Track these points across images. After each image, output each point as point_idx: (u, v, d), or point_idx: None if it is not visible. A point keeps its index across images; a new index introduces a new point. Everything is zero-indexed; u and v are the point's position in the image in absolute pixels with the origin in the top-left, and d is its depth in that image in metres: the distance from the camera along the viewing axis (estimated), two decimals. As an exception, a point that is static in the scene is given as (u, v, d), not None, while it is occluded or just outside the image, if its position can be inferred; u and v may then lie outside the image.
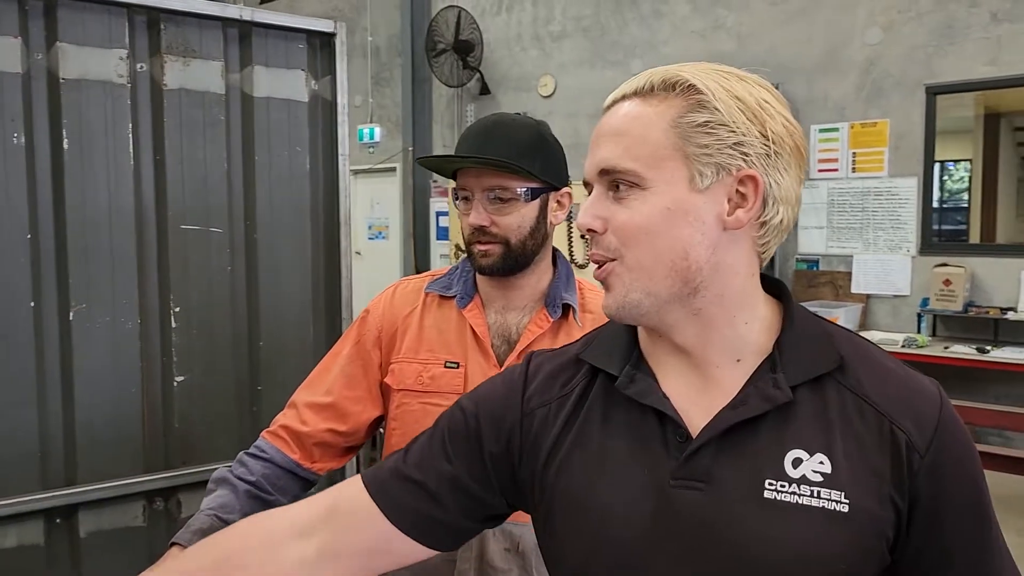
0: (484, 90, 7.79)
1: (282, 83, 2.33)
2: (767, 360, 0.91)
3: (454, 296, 1.65)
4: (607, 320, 1.53)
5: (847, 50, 5.76)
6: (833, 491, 0.85)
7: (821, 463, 0.86)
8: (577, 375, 1.01)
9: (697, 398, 0.92)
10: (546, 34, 7.48)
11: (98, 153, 2.09)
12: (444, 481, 1.00)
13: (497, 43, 7.76)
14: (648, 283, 0.89)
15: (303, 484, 1.65)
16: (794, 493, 0.86)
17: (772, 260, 0.98)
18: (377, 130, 8.08)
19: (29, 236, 2.03)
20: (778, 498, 0.86)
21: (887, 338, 5.16)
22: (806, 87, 5.86)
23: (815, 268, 6.00)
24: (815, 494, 0.85)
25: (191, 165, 2.22)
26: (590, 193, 0.94)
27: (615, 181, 0.90)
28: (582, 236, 0.98)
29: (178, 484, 2.26)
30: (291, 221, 2.39)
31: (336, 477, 2.34)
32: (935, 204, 5.61)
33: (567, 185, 1.64)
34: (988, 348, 4.96)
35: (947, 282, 5.30)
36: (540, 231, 1.58)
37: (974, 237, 5.67)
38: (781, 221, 0.91)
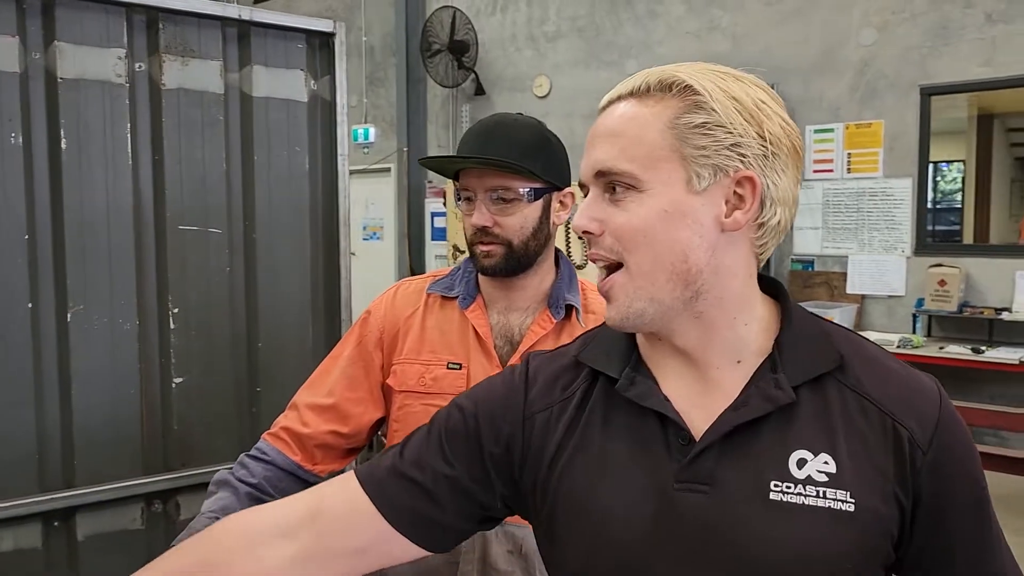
0: (479, 90, 7.78)
1: (281, 83, 2.32)
2: (767, 360, 0.91)
3: (456, 297, 1.64)
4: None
5: (842, 51, 5.77)
6: (839, 491, 0.85)
7: (826, 463, 0.86)
8: (578, 378, 1.00)
9: (698, 400, 0.92)
10: (541, 34, 7.47)
11: (96, 153, 2.07)
12: (442, 482, 0.98)
13: (492, 43, 7.76)
14: (651, 289, 0.88)
15: (304, 486, 1.63)
16: (800, 494, 0.85)
17: (768, 261, 0.98)
18: (372, 130, 8.06)
19: (27, 236, 2.01)
20: (784, 499, 0.86)
21: (882, 338, 5.17)
22: (801, 88, 5.87)
23: (810, 269, 6.01)
24: (821, 494, 0.85)
25: (190, 165, 2.20)
26: (586, 195, 0.93)
27: (611, 183, 0.89)
28: (579, 237, 0.97)
29: (177, 486, 2.25)
30: (290, 221, 2.38)
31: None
32: (929, 205, 5.63)
33: (569, 185, 1.63)
34: (983, 348, 4.98)
35: (942, 282, 5.31)
36: (543, 231, 1.58)
37: (967, 238, 5.69)
38: (779, 222, 0.91)
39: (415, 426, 1.58)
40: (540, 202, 1.56)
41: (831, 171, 5.87)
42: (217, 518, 1.47)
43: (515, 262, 1.55)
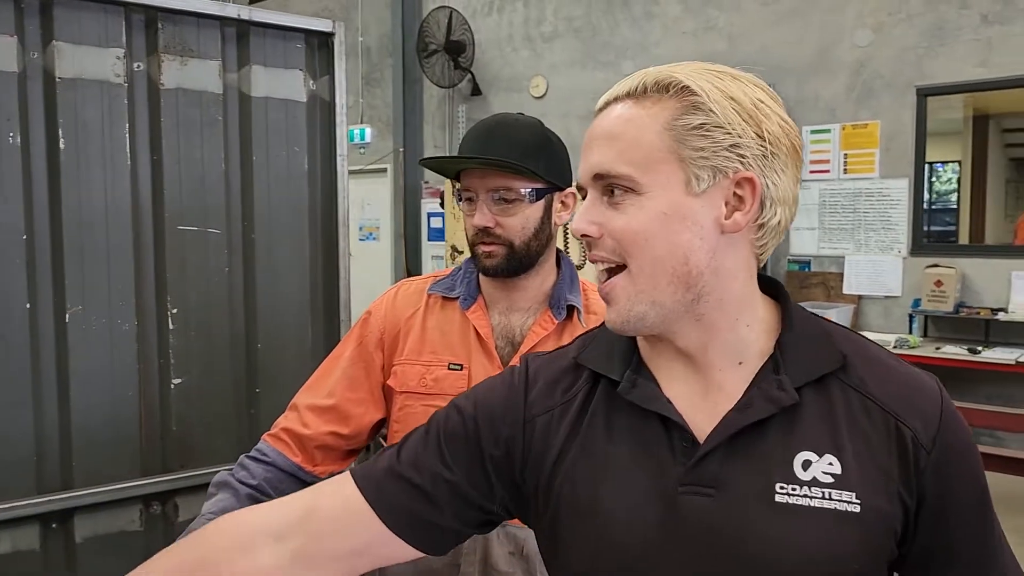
0: (475, 91, 7.78)
1: (280, 83, 2.32)
2: (769, 361, 0.90)
3: (457, 297, 1.64)
4: None
5: (838, 51, 5.78)
6: (844, 492, 0.85)
7: (831, 464, 0.86)
8: (578, 380, 0.99)
9: (700, 402, 0.91)
10: (537, 35, 7.47)
11: (94, 153, 2.07)
12: (441, 484, 0.97)
13: (488, 44, 7.75)
14: (652, 292, 0.88)
15: (305, 487, 1.64)
16: (806, 496, 0.85)
17: (764, 261, 0.97)
18: (368, 131, 8.05)
19: (25, 237, 2.01)
20: (790, 501, 0.85)
21: (879, 339, 5.18)
22: (797, 88, 5.88)
23: (807, 269, 6.02)
24: (827, 496, 0.85)
25: (188, 165, 2.20)
26: (584, 197, 0.93)
27: (610, 185, 0.89)
28: (578, 239, 0.97)
29: (175, 488, 2.24)
30: (289, 221, 2.38)
31: (334, 480, 2.33)
32: (925, 206, 5.64)
33: (571, 185, 1.63)
34: (979, 349, 4.98)
35: (938, 283, 5.32)
36: (544, 232, 1.57)
37: (963, 238, 5.69)
38: (779, 222, 0.90)
39: (416, 426, 1.59)
40: (542, 202, 1.56)
41: (827, 172, 5.87)
42: (217, 519, 1.47)
43: (517, 262, 1.55)
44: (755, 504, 0.86)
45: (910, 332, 5.42)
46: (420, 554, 0.99)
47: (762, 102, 0.87)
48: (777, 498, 0.85)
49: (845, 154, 5.80)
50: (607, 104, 0.92)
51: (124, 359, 2.14)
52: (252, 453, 1.62)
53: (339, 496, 0.98)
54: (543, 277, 1.62)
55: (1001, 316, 5.08)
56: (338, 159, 2.43)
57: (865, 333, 5.44)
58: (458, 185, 1.60)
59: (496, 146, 1.51)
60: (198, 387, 2.26)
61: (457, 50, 7.50)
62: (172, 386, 2.22)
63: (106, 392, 2.11)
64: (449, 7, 7.57)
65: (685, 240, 0.86)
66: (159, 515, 2.25)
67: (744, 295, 0.91)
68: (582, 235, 0.91)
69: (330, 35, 2.39)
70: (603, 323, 1.00)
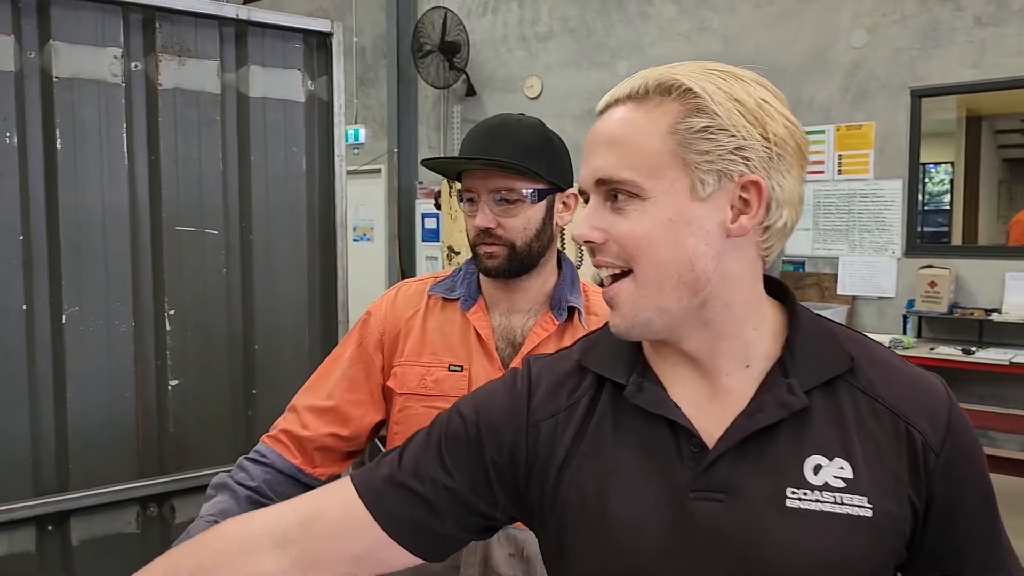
0: (470, 91, 7.77)
1: (278, 83, 2.31)
2: (777, 365, 0.89)
3: (457, 298, 1.63)
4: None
5: (832, 52, 5.79)
6: (856, 496, 0.84)
7: (842, 468, 0.85)
8: (583, 383, 0.97)
9: (707, 406, 0.90)
10: (532, 35, 7.47)
11: (92, 153, 2.06)
12: (442, 492, 0.96)
13: (483, 44, 7.75)
14: (658, 299, 0.87)
15: (304, 489, 1.63)
16: (818, 500, 0.85)
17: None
18: (362, 131, 8.04)
19: (21, 237, 2.00)
20: (801, 506, 0.85)
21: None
22: (792, 89, 5.88)
23: (801, 270, 6.03)
24: (839, 500, 0.84)
25: (186, 166, 2.19)
26: (587, 201, 0.91)
27: (613, 191, 0.87)
28: (580, 245, 0.95)
29: (172, 490, 2.23)
30: (287, 222, 2.37)
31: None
32: (918, 206, 5.65)
33: (572, 186, 1.63)
34: (973, 349, 5.00)
35: (932, 284, 5.33)
36: (546, 233, 1.57)
37: (956, 239, 5.71)
38: (785, 224, 0.89)
39: (416, 428, 1.56)
40: (543, 203, 1.55)
41: (822, 172, 5.88)
42: (216, 521, 1.46)
43: (518, 263, 1.54)
44: (766, 509, 0.85)
45: (904, 333, 5.43)
46: (420, 561, 0.98)
47: (766, 102, 0.86)
48: (788, 503, 0.85)
49: (839, 155, 5.81)
50: (608, 106, 0.90)
51: (121, 360, 2.13)
52: (251, 455, 1.61)
53: (339, 502, 0.97)
54: (544, 278, 1.61)
55: (995, 317, 5.09)
56: (336, 159, 2.43)
57: (860, 334, 5.44)
58: (459, 186, 1.59)
59: (498, 147, 1.51)
60: (195, 388, 2.25)
61: (452, 50, 7.49)
62: (169, 387, 2.21)
63: (103, 393, 2.11)
64: (444, 7, 7.56)
65: (691, 245, 0.85)
66: (156, 517, 2.25)
67: (750, 298, 0.90)
68: (585, 241, 0.89)
69: (328, 35, 2.39)
70: (605, 325, 0.99)
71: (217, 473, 1.60)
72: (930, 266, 5.37)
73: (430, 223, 7.74)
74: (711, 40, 6.33)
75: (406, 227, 8.21)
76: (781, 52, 5.97)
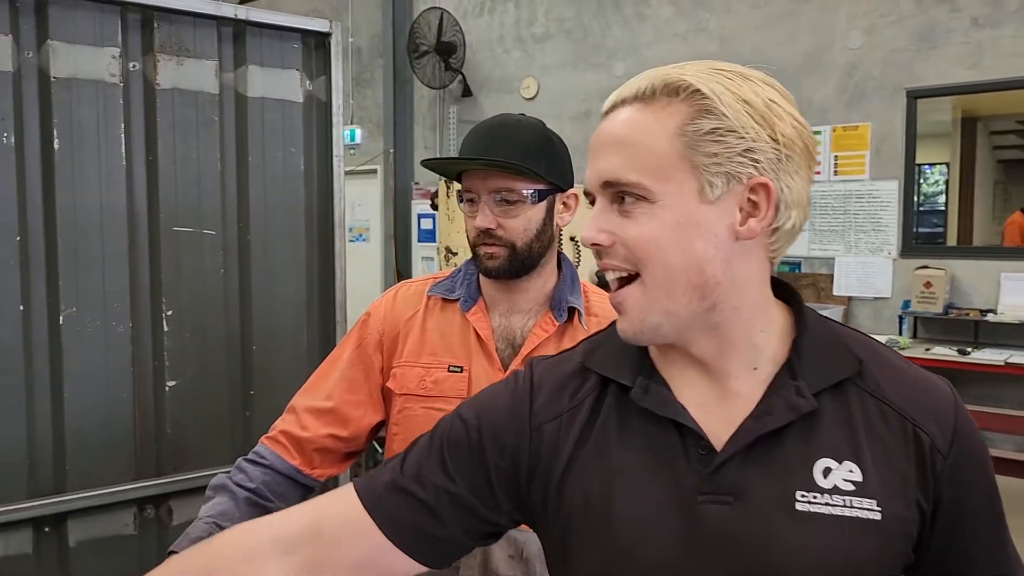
0: (466, 92, 7.76)
1: (276, 83, 2.31)
2: (785, 367, 0.89)
3: (457, 299, 1.62)
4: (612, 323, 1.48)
5: (829, 53, 5.80)
6: (865, 499, 0.84)
7: (851, 471, 0.85)
8: (586, 384, 0.96)
9: (714, 408, 0.90)
10: (529, 36, 7.47)
11: (89, 153, 2.05)
12: (444, 497, 0.95)
13: (479, 45, 7.74)
14: (667, 303, 0.86)
15: (303, 490, 1.63)
16: (827, 504, 0.84)
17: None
18: (358, 131, 8.03)
19: (18, 238, 1.99)
20: (811, 509, 0.84)
21: (869, 340, 5.19)
22: (788, 90, 5.88)
23: (797, 270, 6.03)
24: (848, 504, 0.84)
25: (184, 166, 2.18)
26: (592, 203, 0.90)
27: (620, 193, 0.86)
28: (586, 247, 0.94)
29: (170, 491, 2.22)
30: (285, 222, 2.37)
31: (329, 484, 2.32)
32: (914, 207, 5.67)
33: (573, 186, 1.62)
34: (968, 350, 5.01)
35: (928, 284, 5.34)
36: (546, 233, 1.56)
37: (951, 240, 5.73)
38: (793, 225, 0.88)
39: (415, 429, 1.58)
40: (544, 203, 1.55)
41: (818, 173, 5.89)
42: (215, 523, 1.46)
43: (519, 264, 1.54)
44: (775, 512, 0.85)
45: (900, 333, 5.44)
46: (424, 568, 0.97)
47: (774, 102, 0.85)
48: (798, 506, 0.84)
49: (836, 156, 5.82)
50: (613, 107, 0.89)
51: (118, 361, 2.12)
52: (250, 456, 1.60)
53: (342, 508, 0.96)
54: (544, 279, 1.61)
55: (990, 317, 5.11)
56: (334, 160, 2.43)
57: (856, 334, 5.45)
58: (458, 186, 1.59)
59: (498, 147, 1.51)
60: (193, 389, 2.24)
61: (448, 51, 7.49)
62: (167, 388, 2.21)
63: (100, 394, 2.10)
64: (440, 8, 7.56)
65: (699, 249, 0.84)
66: (153, 519, 2.24)
67: (758, 301, 0.90)
68: (592, 243, 0.88)
69: (327, 35, 2.38)
70: (609, 327, 0.99)
71: (215, 474, 1.59)
72: (926, 267, 5.38)
73: (426, 224, 7.74)
74: (708, 41, 6.34)
75: (402, 228, 8.20)
76: (778, 53, 5.98)
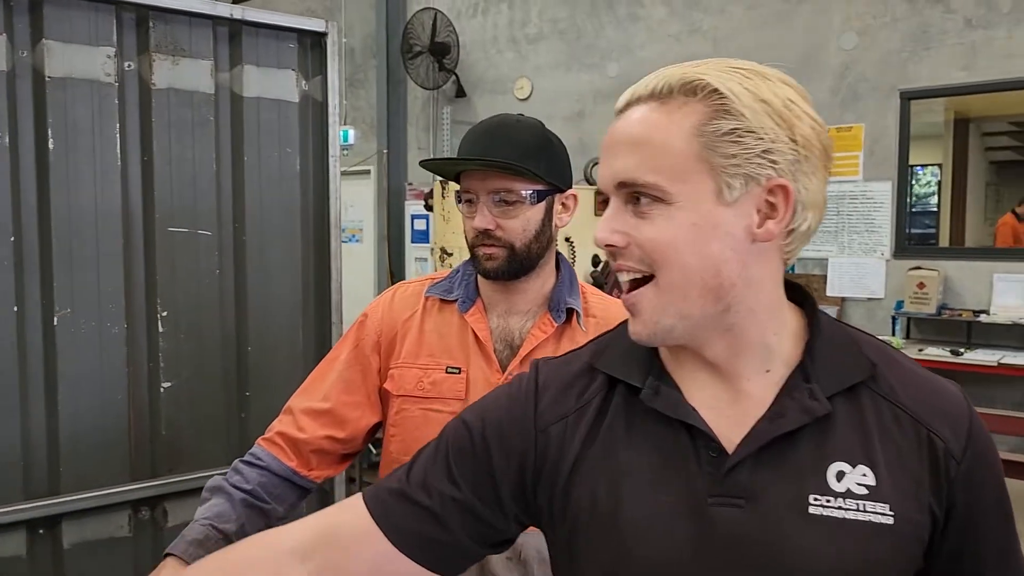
0: (460, 92, 7.75)
1: (272, 83, 2.30)
2: (798, 370, 0.88)
3: (455, 300, 1.62)
4: (611, 324, 1.48)
5: (823, 54, 5.81)
6: (878, 503, 0.84)
7: (864, 475, 0.84)
8: (593, 385, 0.96)
9: (726, 410, 0.89)
10: (522, 37, 7.46)
11: (84, 153, 2.04)
12: (449, 504, 0.95)
13: (473, 45, 7.74)
14: (681, 305, 0.85)
15: (300, 492, 1.62)
16: (840, 507, 0.84)
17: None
18: (351, 132, 8.00)
19: (12, 239, 1.98)
20: (824, 513, 0.84)
21: (863, 341, 5.19)
22: (783, 91, 5.90)
23: (791, 271, 6.05)
24: (861, 508, 0.84)
25: (179, 166, 2.17)
26: (606, 203, 0.89)
27: (635, 194, 0.85)
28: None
29: (165, 492, 2.21)
30: (281, 223, 2.36)
31: (325, 486, 2.31)
32: (907, 208, 5.68)
33: (571, 187, 1.62)
34: (961, 350, 5.02)
35: (921, 285, 5.35)
36: (545, 234, 1.56)
37: (943, 241, 5.74)
38: (809, 227, 0.87)
39: (413, 431, 1.58)
40: (542, 204, 1.54)
41: (813, 174, 5.90)
42: (211, 525, 1.45)
43: (517, 265, 1.54)
44: (788, 515, 0.84)
45: (893, 334, 5.45)
46: (432, 574, 0.97)
47: (793, 102, 0.84)
48: (811, 509, 0.84)
49: (829, 157, 5.83)
50: (628, 105, 0.88)
51: (113, 362, 2.11)
52: (246, 457, 1.60)
53: (352, 517, 0.97)
54: (543, 280, 1.60)
55: (983, 318, 5.12)
56: (330, 160, 2.42)
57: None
58: (454, 187, 1.59)
59: (497, 147, 1.50)
60: (188, 390, 2.23)
61: (442, 52, 7.48)
62: (162, 389, 2.20)
63: (95, 396, 2.09)
64: (434, 8, 7.55)
65: (716, 251, 0.83)
66: (148, 520, 2.23)
67: (772, 303, 0.89)
68: (607, 245, 0.87)
69: (323, 35, 2.37)
70: (618, 327, 0.99)
71: (211, 476, 1.59)
72: (919, 267, 5.40)
73: (419, 224, 7.72)
74: (701, 42, 6.34)
75: (395, 228, 8.19)
76: (771, 54, 5.97)
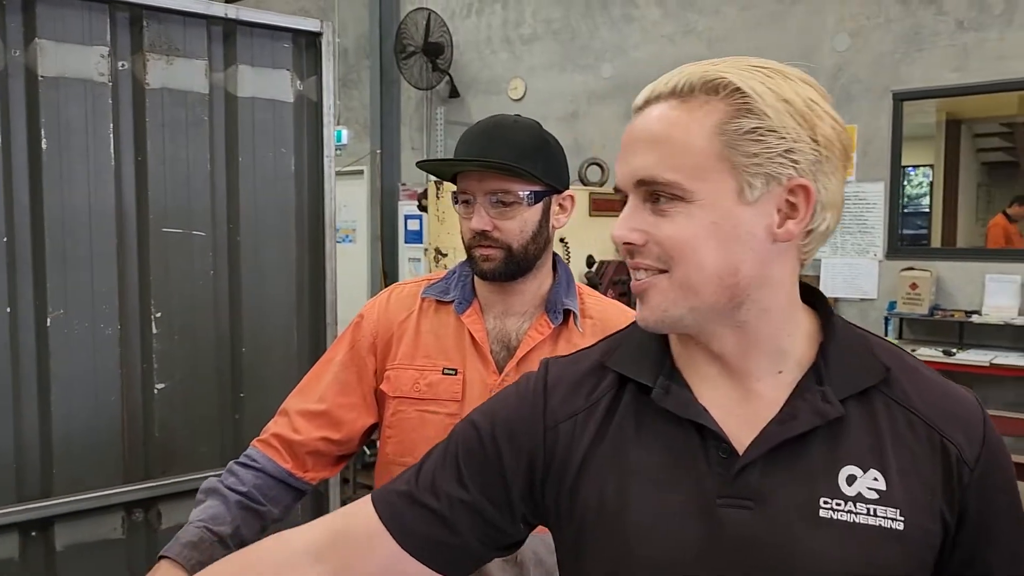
0: (453, 93, 7.75)
1: (267, 83, 2.29)
2: (811, 372, 0.88)
3: (452, 301, 1.62)
4: (608, 325, 1.48)
5: (816, 56, 5.82)
6: (889, 508, 0.83)
7: (875, 480, 0.84)
8: (602, 383, 0.96)
9: (736, 410, 0.88)
10: (516, 37, 7.46)
11: (77, 153, 2.02)
12: (457, 507, 0.95)
13: (467, 46, 7.73)
14: (694, 300, 0.85)
15: (295, 494, 1.62)
16: (851, 511, 0.83)
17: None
18: (344, 132, 7.99)
19: (5, 239, 1.96)
20: (834, 517, 0.83)
21: (856, 341, 5.21)
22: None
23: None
24: (872, 512, 0.83)
25: (173, 166, 2.16)
26: (624, 201, 0.88)
27: (654, 192, 0.84)
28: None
29: (158, 494, 2.20)
30: (275, 223, 2.35)
31: (320, 487, 2.30)
32: (900, 209, 5.70)
33: (568, 187, 1.62)
34: (954, 351, 5.04)
35: (913, 286, 5.37)
36: (542, 235, 1.56)
37: (935, 242, 5.76)
38: (827, 228, 0.87)
39: (409, 432, 1.58)
40: (540, 205, 1.54)
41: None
42: (206, 527, 1.44)
43: (514, 266, 1.53)
44: (798, 518, 0.84)
45: (886, 334, 5.46)
46: None
47: (814, 102, 0.84)
48: (822, 513, 0.83)
49: (822, 158, 5.84)
50: (647, 102, 0.87)
51: (106, 364, 2.10)
52: (241, 459, 1.59)
53: (362, 519, 0.97)
54: (540, 281, 1.60)
55: (975, 318, 5.14)
56: (325, 160, 2.41)
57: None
58: (450, 187, 1.58)
59: (494, 148, 1.50)
60: (182, 392, 2.22)
61: (435, 52, 7.47)
62: (155, 391, 2.18)
63: (88, 397, 2.07)
64: (427, 9, 7.54)
65: (736, 250, 0.83)
66: (141, 522, 2.21)
67: (787, 303, 0.89)
68: (624, 243, 0.87)
69: (318, 35, 2.36)
70: (628, 326, 0.99)
71: (204, 477, 1.58)
72: (911, 268, 5.41)
73: (413, 224, 7.71)
74: (695, 43, 6.35)
75: (389, 229, 8.17)
76: (765, 55, 5.85)
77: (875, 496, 0.84)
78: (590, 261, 4.25)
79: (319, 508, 2.48)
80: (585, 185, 4.99)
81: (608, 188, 4.90)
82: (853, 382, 0.87)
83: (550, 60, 7.24)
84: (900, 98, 5.50)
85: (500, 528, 0.96)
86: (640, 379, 0.92)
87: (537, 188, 1.52)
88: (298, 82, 2.38)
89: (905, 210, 5.81)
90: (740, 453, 0.86)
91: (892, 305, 5.49)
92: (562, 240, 3.97)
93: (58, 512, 2.05)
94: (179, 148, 2.16)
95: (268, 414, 1.65)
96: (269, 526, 1.55)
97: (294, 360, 2.38)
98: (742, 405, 0.89)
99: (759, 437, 0.86)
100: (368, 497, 1.00)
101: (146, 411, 2.18)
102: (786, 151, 0.82)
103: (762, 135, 0.82)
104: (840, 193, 0.87)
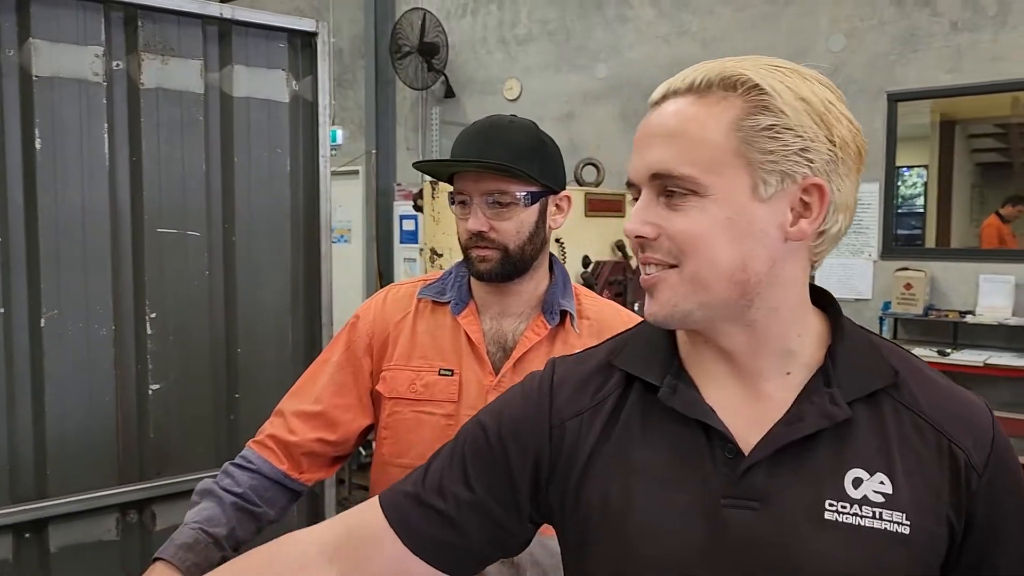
0: (449, 93, 7.74)
1: (262, 83, 2.28)
2: (819, 373, 0.88)
3: (448, 302, 1.61)
4: (604, 326, 1.48)
5: (810, 56, 5.82)
6: (895, 512, 0.83)
7: (882, 483, 0.84)
8: (609, 382, 0.96)
9: (743, 410, 0.88)
10: (511, 37, 7.46)
11: (72, 153, 2.02)
12: (464, 508, 0.95)
13: (462, 46, 7.73)
14: (704, 296, 0.85)
15: (291, 495, 1.61)
16: (856, 514, 0.83)
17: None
18: (339, 132, 7.98)
19: (0, 239, 1.95)
20: (839, 519, 0.83)
21: (851, 341, 5.21)
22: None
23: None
24: (877, 515, 0.83)
25: (168, 166, 2.15)
26: (636, 196, 0.89)
27: (668, 186, 0.85)
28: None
29: (153, 496, 2.19)
30: (270, 224, 2.34)
31: (315, 488, 2.29)
32: (895, 209, 5.71)
33: (565, 188, 1.61)
34: (948, 351, 5.05)
35: (908, 286, 5.38)
36: (539, 236, 1.56)
37: (929, 242, 5.77)
38: (839, 230, 0.87)
39: (405, 433, 1.58)
40: (537, 206, 1.54)
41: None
42: (201, 529, 1.44)
43: (511, 267, 1.53)
44: (803, 520, 0.84)
45: (880, 335, 5.47)
46: None
47: (831, 103, 0.84)
48: (827, 515, 0.83)
49: (817, 158, 5.84)
50: (663, 97, 0.87)
51: (101, 364, 2.09)
52: (237, 460, 1.59)
53: (370, 520, 0.98)
54: (537, 282, 1.60)
55: (969, 319, 5.15)
56: (320, 160, 2.41)
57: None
58: (445, 187, 1.58)
59: (491, 149, 1.49)
60: (176, 392, 2.21)
61: (431, 52, 7.47)
62: (150, 392, 2.17)
63: (82, 398, 2.06)
64: (423, 9, 7.53)
65: (747, 247, 0.83)
66: (136, 524, 2.20)
67: (797, 304, 0.89)
68: (636, 236, 0.87)
69: (313, 35, 2.36)
70: (636, 325, 1.00)
71: (199, 479, 1.58)
72: (906, 268, 5.42)
73: (408, 225, 7.70)
74: (690, 43, 6.36)
75: (384, 229, 8.17)
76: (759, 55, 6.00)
77: (881, 499, 0.83)
78: (586, 261, 4.25)
79: (315, 509, 2.48)
80: (581, 185, 4.98)
81: (604, 189, 4.90)
82: (861, 385, 0.87)
83: (545, 60, 7.24)
84: (894, 99, 5.51)
85: (507, 528, 0.97)
86: (647, 378, 0.92)
87: (534, 189, 1.52)
88: (293, 82, 2.37)
89: (899, 210, 5.82)
90: (746, 454, 0.86)
91: (887, 305, 5.51)
92: (558, 240, 3.97)
93: (52, 513, 2.04)
94: (174, 148, 2.16)
95: (263, 415, 1.65)
96: (264, 527, 1.54)
97: (289, 361, 2.37)
98: (749, 405, 0.89)
99: (765, 438, 0.86)
100: (376, 498, 1.00)
101: (141, 412, 2.17)
102: (802, 149, 0.82)
103: (779, 132, 0.82)
104: (853, 196, 0.87)
